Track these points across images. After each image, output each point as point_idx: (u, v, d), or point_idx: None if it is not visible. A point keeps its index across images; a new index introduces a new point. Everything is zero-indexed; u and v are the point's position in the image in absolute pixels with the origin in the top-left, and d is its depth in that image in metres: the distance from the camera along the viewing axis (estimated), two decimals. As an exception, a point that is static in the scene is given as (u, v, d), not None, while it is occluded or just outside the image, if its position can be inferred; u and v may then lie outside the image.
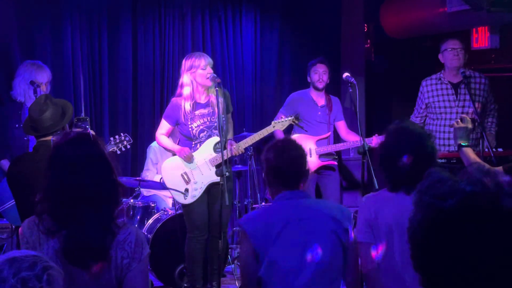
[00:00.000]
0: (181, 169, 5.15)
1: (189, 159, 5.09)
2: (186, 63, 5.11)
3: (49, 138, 3.83)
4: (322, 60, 6.34)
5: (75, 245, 2.38)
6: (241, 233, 2.96)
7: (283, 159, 2.99)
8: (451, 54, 5.52)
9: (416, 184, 2.97)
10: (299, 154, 3.05)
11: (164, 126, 5.23)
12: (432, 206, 1.34)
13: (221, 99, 5.03)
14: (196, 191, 5.11)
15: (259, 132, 5.28)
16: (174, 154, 5.29)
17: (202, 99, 5.13)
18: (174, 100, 5.21)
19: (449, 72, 5.57)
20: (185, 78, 5.09)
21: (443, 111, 5.55)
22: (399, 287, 2.91)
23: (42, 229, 2.42)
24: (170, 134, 5.33)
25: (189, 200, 5.12)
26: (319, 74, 6.26)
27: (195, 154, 5.13)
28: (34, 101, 4.04)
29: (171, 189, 5.19)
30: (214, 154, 5.09)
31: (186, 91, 5.08)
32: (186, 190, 5.12)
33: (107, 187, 2.46)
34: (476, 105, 5.34)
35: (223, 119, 5.03)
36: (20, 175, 3.84)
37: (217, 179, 5.05)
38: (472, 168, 1.37)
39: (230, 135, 5.22)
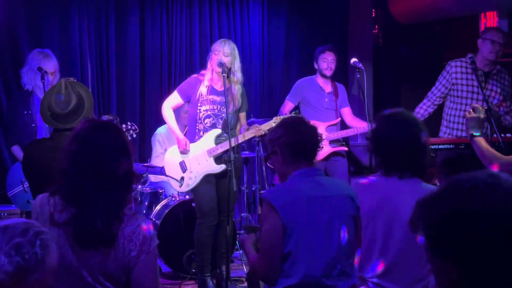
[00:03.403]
0: (180, 157, 5.20)
1: (184, 152, 5.15)
2: None
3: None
4: (331, 48, 6.30)
5: (82, 225, 2.40)
6: (266, 207, 2.92)
7: (301, 133, 3.07)
8: (491, 46, 5.40)
9: (410, 168, 3.04)
10: (311, 126, 3.14)
11: (174, 99, 5.24)
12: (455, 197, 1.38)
13: (231, 87, 5.05)
14: (190, 180, 5.15)
15: (264, 125, 5.23)
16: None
17: (218, 86, 5.15)
18: (193, 77, 5.26)
19: (482, 60, 5.46)
20: (208, 60, 5.19)
21: (470, 96, 5.45)
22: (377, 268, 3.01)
23: (52, 221, 2.43)
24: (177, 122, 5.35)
25: (183, 188, 5.19)
26: (328, 62, 6.22)
27: (196, 144, 5.17)
28: (54, 92, 3.73)
29: (168, 176, 5.25)
30: (213, 145, 5.11)
31: (208, 72, 5.16)
32: (182, 178, 5.16)
33: (122, 174, 2.47)
34: (501, 98, 5.37)
35: (234, 114, 5.11)
36: (36, 161, 3.75)
37: (212, 170, 5.12)
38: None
39: (235, 132, 5.19)
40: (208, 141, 5.14)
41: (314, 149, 3.09)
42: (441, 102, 5.64)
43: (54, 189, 2.49)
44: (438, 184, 6.10)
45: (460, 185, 1.41)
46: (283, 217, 2.87)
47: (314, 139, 3.09)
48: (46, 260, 1.93)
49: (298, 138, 3.06)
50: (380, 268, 3.01)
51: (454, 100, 5.54)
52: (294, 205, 2.91)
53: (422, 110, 5.68)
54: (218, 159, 5.12)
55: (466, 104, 5.46)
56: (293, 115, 5.21)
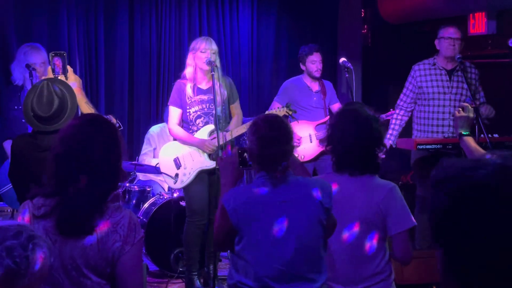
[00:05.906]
0: (175, 154, 5.18)
1: (212, 150, 5.07)
2: (191, 44, 5.18)
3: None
4: (317, 48, 6.24)
5: (64, 212, 2.40)
6: (221, 208, 2.88)
7: (270, 138, 2.90)
8: (447, 43, 5.41)
9: (359, 166, 2.97)
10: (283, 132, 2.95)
11: (173, 113, 5.17)
12: (461, 177, 1.25)
13: (218, 85, 5.03)
14: (185, 177, 5.13)
15: (248, 123, 5.21)
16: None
17: (203, 85, 5.13)
18: (177, 83, 5.23)
19: (443, 59, 5.49)
20: (189, 59, 5.15)
21: (436, 97, 5.44)
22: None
23: (33, 217, 2.43)
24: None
25: (178, 185, 5.17)
26: (317, 64, 6.18)
27: None
28: (36, 94, 3.57)
29: (163, 173, 5.23)
30: None
31: (189, 71, 5.13)
32: (176, 175, 5.15)
33: (109, 168, 2.48)
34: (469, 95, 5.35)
35: (223, 107, 5.07)
36: (20, 159, 3.68)
37: (206, 166, 5.10)
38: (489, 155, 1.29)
39: (234, 124, 5.16)
40: (202, 136, 5.13)
41: (279, 157, 2.88)
42: (413, 107, 5.61)
43: (35, 192, 2.49)
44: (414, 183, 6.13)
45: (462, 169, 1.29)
46: (232, 221, 2.84)
47: (281, 147, 2.89)
48: (37, 266, 1.89)
49: (264, 143, 2.89)
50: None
51: (422, 103, 5.52)
52: (245, 210, 2.85)
53: (399, 121, 5.65)
54: (211, 155, 5.12)
55: (433, 105, 5.45)
56: (276, 112, 5.14)
